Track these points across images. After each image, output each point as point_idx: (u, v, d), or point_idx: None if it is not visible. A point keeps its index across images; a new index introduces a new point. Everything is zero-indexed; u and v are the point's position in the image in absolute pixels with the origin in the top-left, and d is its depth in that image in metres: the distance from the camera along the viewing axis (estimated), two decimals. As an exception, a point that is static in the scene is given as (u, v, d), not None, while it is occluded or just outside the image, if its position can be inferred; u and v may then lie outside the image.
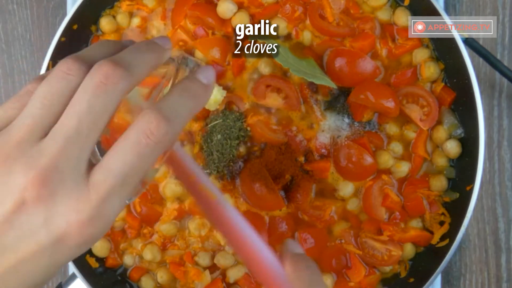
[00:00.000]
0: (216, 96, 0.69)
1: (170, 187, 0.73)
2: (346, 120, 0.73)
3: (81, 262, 0.72)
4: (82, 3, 0.70)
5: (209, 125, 0.72)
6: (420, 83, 0.73)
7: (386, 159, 0.72)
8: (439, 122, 0.72)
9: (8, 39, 0.86)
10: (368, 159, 0.71)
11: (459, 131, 0.72)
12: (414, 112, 0.72)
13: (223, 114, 0.72)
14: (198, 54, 0.72)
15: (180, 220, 0.75)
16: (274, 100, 0.71)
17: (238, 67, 0.73)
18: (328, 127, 0.73)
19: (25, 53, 0.86)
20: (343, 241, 0.74)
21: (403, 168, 0.72)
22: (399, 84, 0.73)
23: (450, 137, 0.72)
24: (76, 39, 0.74)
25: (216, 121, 0.72)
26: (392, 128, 0.73)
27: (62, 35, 0.70)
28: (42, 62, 0.70)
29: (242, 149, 0.73)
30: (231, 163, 0.72)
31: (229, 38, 0.73)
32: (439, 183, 0.72)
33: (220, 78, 0.72)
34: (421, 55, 0.72)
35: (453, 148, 0.72)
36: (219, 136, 0.72)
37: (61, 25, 0.70)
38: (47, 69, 0.70)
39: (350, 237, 0.73)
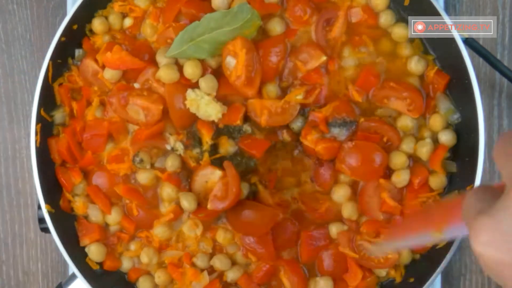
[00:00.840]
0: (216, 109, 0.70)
1: (166, 190, 0.72)
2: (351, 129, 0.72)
3: (81, 263, 0.72)
4: (82, 3, 0.70)
5: None
6: (408, 78, 0.73)
7: (402, 161, 0.71)
8: (435, 110, 0.72)
9: (8, 39, 0.86)
10: (378, 158, 0.70)
11: (456, 116, 0.71)
12: (400, 105, 0.71)
13: None
14: None
15: (174, 222, 0.74)
16: None
17: None
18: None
19: (25, 53, 0.86)
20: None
21: (404, 177, 0.71)
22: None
23: (447, 123, 0.72)
24: (76, 39, 0.74)
25: None
26: (406, 121, 0.72)
27: (62, 35, 0.70)
28: (42, 62, 0.70)
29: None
30: None
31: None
32: (438, 180, 0.71)
33: None
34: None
35: (448, 138, 0.71)
36: None
37: (61, 25, 0.70)
38: (47, 69, 0.70)
39: (347, 241, 0.72)
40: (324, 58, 0.71)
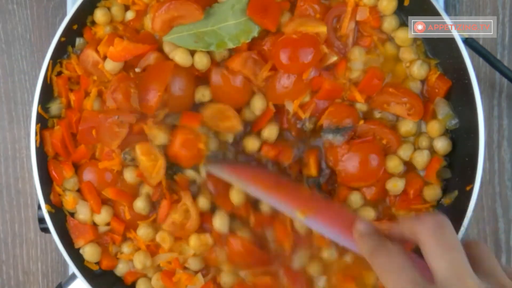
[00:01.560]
0: None
1: (145, 189, 0.72)
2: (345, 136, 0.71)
3: (81, 263, 0.72)
4: (82, 3, 0.70)
5: None
6: (409, 82, 0.73)
7: (396, 165, 0.71)
8: (433, 115, 0.72)
9: (8, 39, 0.86)
10: (375, 161, 0.70)
11: (454, 122, 0.71)
12: (400, 110, 0.71)
13: None
14: None
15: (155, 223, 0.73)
16: None
17: None
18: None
19: (25, 53, 0.86)
20: None
21: (400, 187, 0.71)
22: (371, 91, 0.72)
23: (445, 128, 0.72)
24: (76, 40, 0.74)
25: None
26: (408, 125, 0.72)
27: (62, 35, 0.70)
28: (42, 62, 0.70)
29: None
30: None
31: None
32: (433, 192, 0.71)
33: None
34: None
35: (443, 144, 0.71)
36: None
37: (61, 25, 0.70)
38: (47, 69, 0.70)
39: None
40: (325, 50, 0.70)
